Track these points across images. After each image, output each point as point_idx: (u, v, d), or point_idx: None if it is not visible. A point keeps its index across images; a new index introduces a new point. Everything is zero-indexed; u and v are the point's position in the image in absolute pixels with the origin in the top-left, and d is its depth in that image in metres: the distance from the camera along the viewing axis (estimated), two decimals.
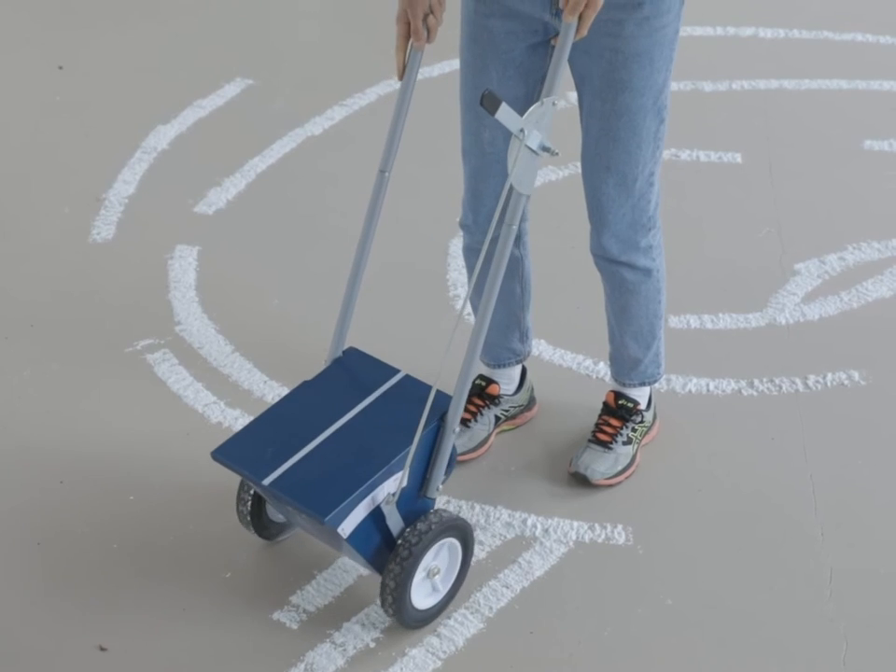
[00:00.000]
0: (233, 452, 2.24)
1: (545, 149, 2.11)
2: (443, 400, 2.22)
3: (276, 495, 2.18)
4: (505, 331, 2.64)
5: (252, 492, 2.35)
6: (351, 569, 2.39)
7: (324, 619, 2.29)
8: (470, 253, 2.58)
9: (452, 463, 2.29)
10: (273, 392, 2.84)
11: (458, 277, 3.18)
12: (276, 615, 2.30)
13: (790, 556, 2.43)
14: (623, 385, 2.63)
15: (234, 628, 2.28)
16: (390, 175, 2.34)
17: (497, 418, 2.68)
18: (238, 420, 2.76)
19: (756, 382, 2.84)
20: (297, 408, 2.31)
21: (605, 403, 2.64)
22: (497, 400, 2.67)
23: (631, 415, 2.61)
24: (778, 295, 3.12)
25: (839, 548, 2.44)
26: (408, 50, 2.27)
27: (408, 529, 2.19)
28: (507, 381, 2.69)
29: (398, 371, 2.34)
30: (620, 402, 2.61)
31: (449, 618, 2.30)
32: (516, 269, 2.58)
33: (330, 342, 2.38)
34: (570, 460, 2.59)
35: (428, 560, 2.22)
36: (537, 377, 2.77)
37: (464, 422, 2.64)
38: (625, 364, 2.60)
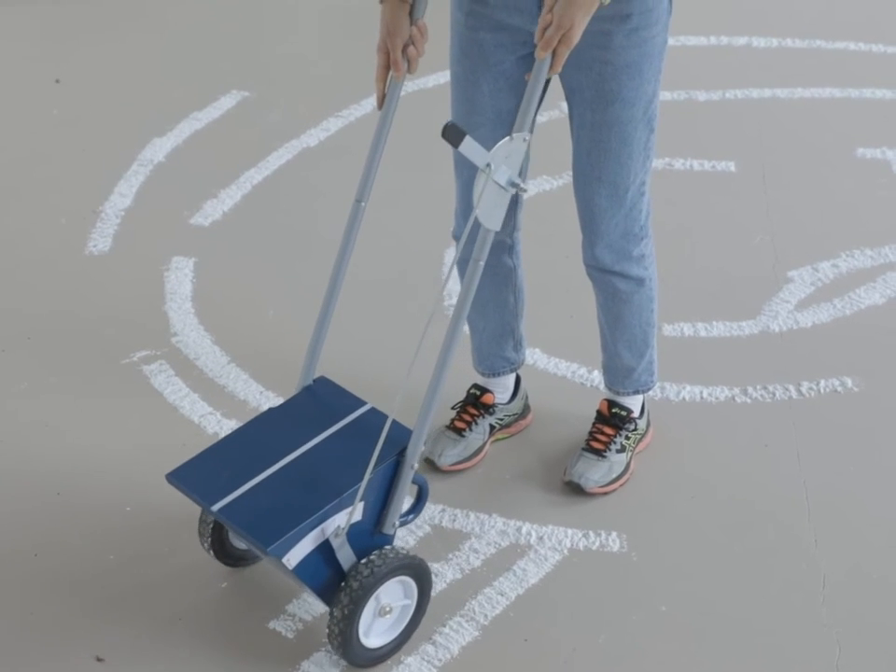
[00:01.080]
0: (187, 476, 2.21)
1: (513, 185, 2.07)
2: (404, 435, 2.18)
3: (224, 522, 2.15)
4: (499, 340, 2.66)
5: (212, 518, 2.31)
6: None
7: (319, 627, 2.30)
8: (463, 265, 2.59)
9: (423, 499, 2.27)
10: (270, 402, 2.85)
11: (454, 287, 3.20)
12: (272, 624, 2.31)
13: (783, 562, 2.44)
14: (617, 393, 2.64)
15: (230, 638, 2.29)
16: (367, 205, 2.31)
17: (492, 427, 2.69)
18: None
19: (749, 389, 2.85)
20: (258, 435, 2.28)
21: (598, 412, 2.65)
22: (491, 409, 2.69)
23: (624, 423, 2.62)
24: (772, 302, 3.13)
25: (832, 554, 2.45)
26: (388, 80, 2.24)
27: (358, 564, 2.14)
28: (501, 390, 2.70)
29: (364, 402, 2.30)
30: (613, 410, 2.63)
31: (444, 626, 2.30)
32: (509, 278, 2.59)
33: (301, 370, 2.36)
34: (564, 469, 2.60)
35: (379, 598, 2.17)
36: (531, 386, 2.79)
37: (459, 431, 2.65)
38: (619, 373, 2.61)
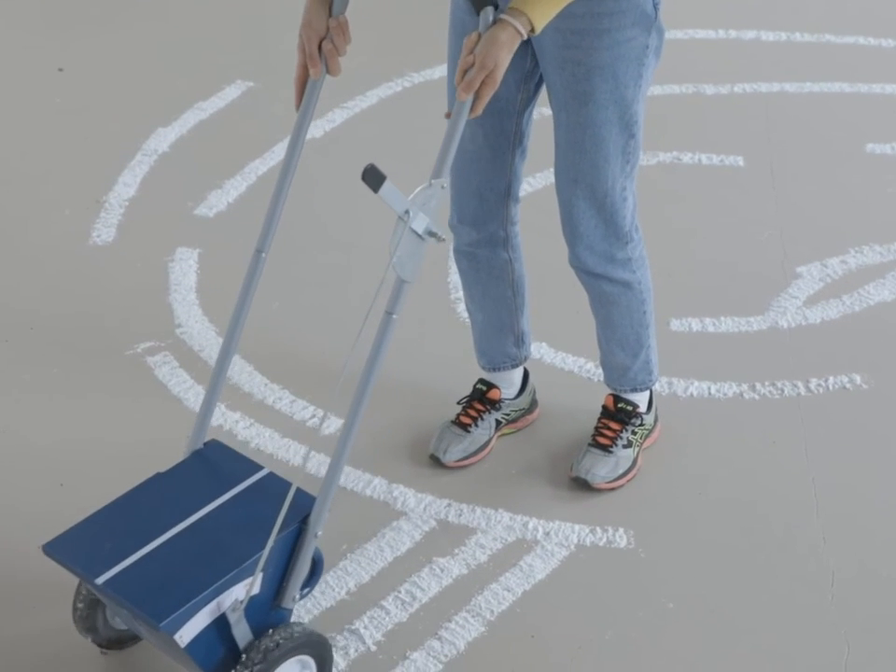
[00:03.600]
0: (66, 547, 2.04)
1: (431, 234, 1.95)
2: (307, 501, 2.04)
3: (110, 596, 1.98)
4: (498, 335, 2.63)
5: (87, 593, 2.13)
6: (353, 572, 2.39)
7: (325, 622, 2.28)
8: (457, 255, 2.57)
9: (318, 571, 2.12)
10: (274, 395, 2.84)
11: (459, 280, 3.16)
12: None
13: (791, 560, 2.43)
14: (615, 390, 2.62)
15: None
16: (267, 256, 2.18)
17: (498, 422, 2.67)
18: (238, 423, 2.75)
19: (758, 385, 2.83)
20: (145, 501, 2.13)
21: (604, 406, 2.63)
22: (497, 405, 2.66)
23: (630, 418, 2.60)
24: (780, 298, 3.11)
25: (841, 552, 2.43)
26: (307, 81, 2.13)
27: (255, 642, 2.00)
28: (507, 385, 2.68)
29: (261, 467, 2.17)
30: (619, 405, 2.61)
31: (450, 621, 2.29)
32: (505, 271, 2.56)
33: (191, 431, 2.24)
34: (571, 465, 2.58)
35: None
36: (538, 380, 2.76)
37: (464, 427, 2.63)
38: (614, 370, 2.60)
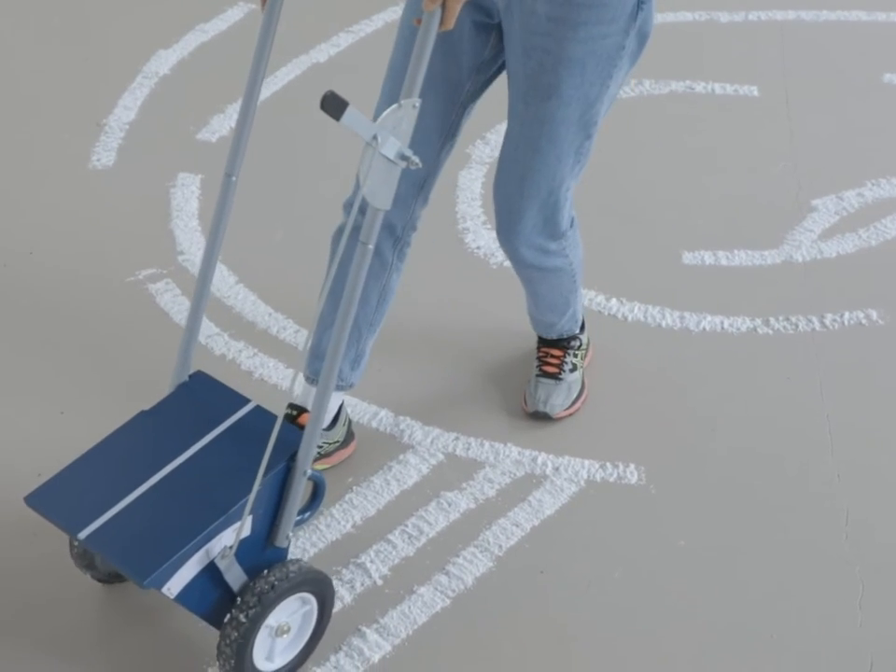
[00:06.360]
0: (49, 497, 1.97)
1: (404, 158, 1.85)
2: (295, 436, 1.96)
3: (94, 550, 1.95)
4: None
5: None
6: (359, 505, 2.35)
7: (331, 556, 2.25)
8: (339, 235, 2.37)
9: (319, 495, 2.06)
10: (278, 325, 2.78)
11: (467, 210, 3.11)
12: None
13: (805, 498, 2.39)
14: (543, 335, 2.56)
15: None
16: (237, 179, 2.07)
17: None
18: (242, 352, 2.70)
19: (772, 320, 2.78)
20: (129, 444, 2.05)
21: (540, 336, 2.58)
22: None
23: (570, 343, 2.55)
24: (795, 232, 3.05)
25: (855, 490, 2.40)
26: None
27: (251, 583, 1.94)
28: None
29: (247, 400, 2.07)
30: None
31: (458, 556, 2.25)
32: (382, 272, 2.32)
33: (175, 364, 2.12)
34: (524, 398, 2.53)
35: (276, 616, 1.97)
36: None
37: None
38: (541, 325, 2.55)
